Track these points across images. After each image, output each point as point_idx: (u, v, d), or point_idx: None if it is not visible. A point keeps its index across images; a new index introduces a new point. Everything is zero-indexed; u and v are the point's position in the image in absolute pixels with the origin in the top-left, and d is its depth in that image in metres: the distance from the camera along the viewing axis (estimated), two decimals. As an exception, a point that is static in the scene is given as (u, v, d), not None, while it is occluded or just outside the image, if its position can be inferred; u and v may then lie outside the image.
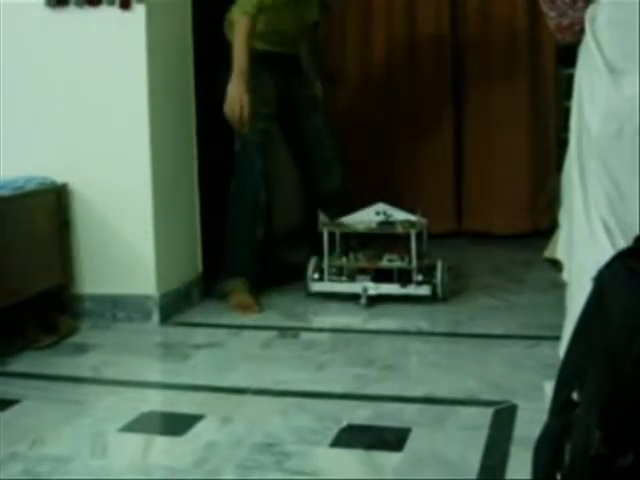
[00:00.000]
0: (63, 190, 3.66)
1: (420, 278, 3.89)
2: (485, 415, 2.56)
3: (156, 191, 3.64)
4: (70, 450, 2.39)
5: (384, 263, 3.97)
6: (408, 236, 3.90)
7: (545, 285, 4.01)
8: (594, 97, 2.26)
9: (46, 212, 3.59)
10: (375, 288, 3.89)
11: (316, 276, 4.00)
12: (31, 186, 3.51)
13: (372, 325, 3.61)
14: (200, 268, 4.05)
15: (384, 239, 4.05)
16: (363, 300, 3.84)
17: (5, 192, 3.37)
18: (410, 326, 3.57)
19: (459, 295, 4.01)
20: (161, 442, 2.49)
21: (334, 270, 4.02)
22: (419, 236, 3.95)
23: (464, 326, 3.54)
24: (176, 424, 2.58)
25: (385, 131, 5.56)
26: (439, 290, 3.88)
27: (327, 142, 4.33)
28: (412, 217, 3.99)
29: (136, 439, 2.49)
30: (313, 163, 4.33)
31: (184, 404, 2.76)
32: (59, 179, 3.64)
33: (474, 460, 2.25)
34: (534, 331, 3.38)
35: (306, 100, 4.30)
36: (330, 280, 3.98)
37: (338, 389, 2.83)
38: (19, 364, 3.16)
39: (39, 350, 3.30)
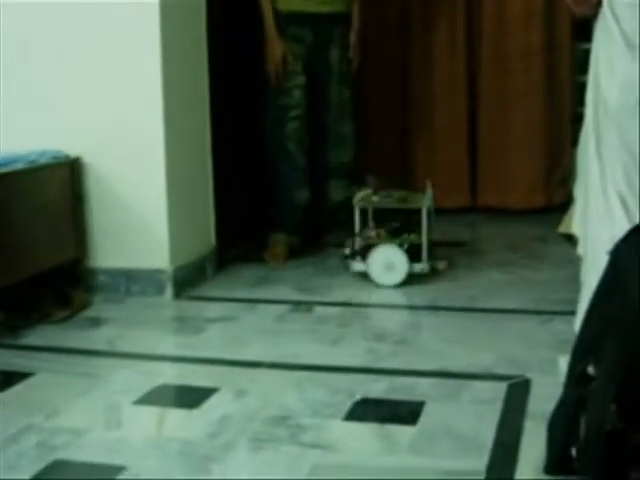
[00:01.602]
0: (76, 164, 3.65)
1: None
2: (499, 389, 2.56)
3: (170, 165, 3.63)
4: (85, 422, 2.40)
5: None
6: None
7: (559, 260, 3.99)
8: (612, 70, 2.25)
9: (59, 186, 3.59)
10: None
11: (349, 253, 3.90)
12: (44, 160, 3.51)
13: (385, 300, 3.60)
14: (214, 242, 4.05)
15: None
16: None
17: (19, 166, 3.36)
18: (424, 301, 3.56)
19: (473, 271, 4.00)
20: (175, 415, 2.50)
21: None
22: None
23: (478, 301, 3.52)
24: (190, 397, 2.59)
25: (399, 107, 5.52)
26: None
27: (348, 117, 4.44)
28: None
29: (150, 412, 2.50)
30: (328, 135, 4.42)
31: (198, 377, 2.77)
32: (72, 153, 3.64)
33: (488, 434, 2.25)
34: (548, 306, 3.37)
35: (340, 74, 4.39)
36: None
37: (352, 363, 2.83)
38: (33, 337, 3.16)
39: (53, 324, 3.30)
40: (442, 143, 5.45)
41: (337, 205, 4.48)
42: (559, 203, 4.93)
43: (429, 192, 3.97)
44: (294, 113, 4.27)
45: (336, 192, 4.48)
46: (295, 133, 4.29)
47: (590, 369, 1.90)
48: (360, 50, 4.50)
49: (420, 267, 3.78)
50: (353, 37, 4.41)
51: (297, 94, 4.26)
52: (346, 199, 4.30)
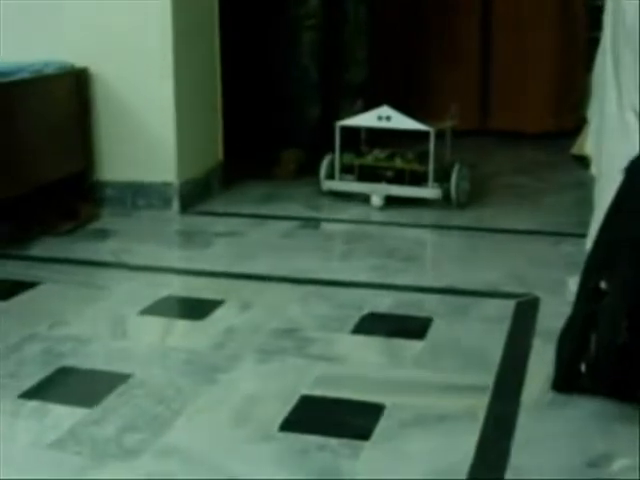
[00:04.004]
0: (83, 74, 3.60)
1: (435, 183, 3.66)
2: (507, 307, 2.54)
3: (178, 78, 3.58)
4: (90, 331, 2.39)
5: (397, 164, 3.76)
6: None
7: (570, 184, 3.96)
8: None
9: (65, 97, 3.54)
10: (385, 190, 3.69)
11: (325, 174, 3.81)
12: (50, 70, 3.46)
13: (393, 219, 3.57)
14: (221, 157, 4.01)
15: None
16: (376, 200, 3.68)
17: (23, 75, 3.31)
18: (432, 220, 3.53)
19: (482, 193, 3.97)
20: (181, 325, 2.49)
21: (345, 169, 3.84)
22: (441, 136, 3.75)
23: (486, 222, 3.50)
24: (196, 309, 2.58)
25: (412, 30, 5.45)
26: (453, 194, 3.64)
27: (363, 35, 4.40)
28: (418, 125, 3.71)
29: (156, 322, 2.48)
30: (343, 52, 4.35)
31: (204, 290, 2.75)
32: (79, 63, 3.58)
33: (496, 350, 2.23)
34: (557, 228, 3.35)
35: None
36: (342, 179, 3.81)
37: (359, 278, 2.81)
38: (39, 249, 3.15)
39: (59, 236, 3.28)
40: (455, 65, 5.38)
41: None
42: (571, 128, 4.87)
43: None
44: (309, 22, 4.19)
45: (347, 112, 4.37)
46: (309, 45, 4.21)
47: (603, 284, 1.88)
48: None
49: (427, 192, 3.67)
50: None
51: (314, 2, 4.18)
52: None
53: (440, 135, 3.72)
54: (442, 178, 3.66)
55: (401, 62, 5.45)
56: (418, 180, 3.69)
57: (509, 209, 3.68)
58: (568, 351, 1.98)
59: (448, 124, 3.79)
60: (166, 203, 3.61)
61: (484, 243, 3.22)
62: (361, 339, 2.34)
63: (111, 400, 1.97)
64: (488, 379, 2.07)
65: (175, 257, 3.11)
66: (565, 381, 1.99)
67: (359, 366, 2.17)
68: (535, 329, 2.38)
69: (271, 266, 2.93)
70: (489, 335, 2.34)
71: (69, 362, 2.18)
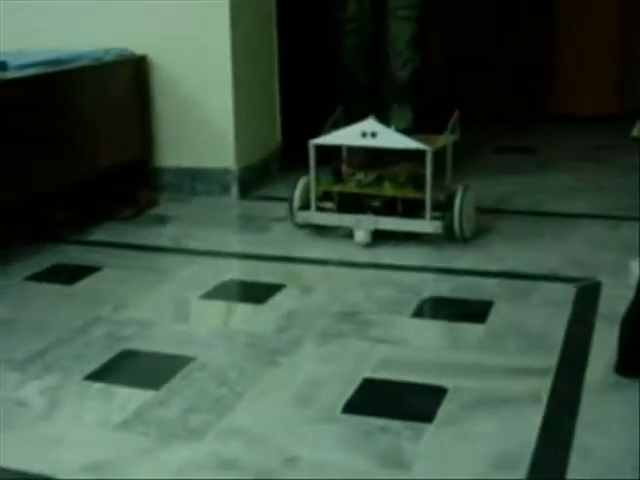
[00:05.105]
0: (142, 62, 3.63)
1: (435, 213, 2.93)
2: (568, 291, 2.53)
3: (236, 63, 3.59)
4: (152, 315, 2.42)
5: (386, 191, 3.02)
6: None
7: (630, 167, 3.91)
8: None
9: (125, 84, 3.57)
10: (372, 222, 2.97)
11: (300, 202, 3.11)
12: (110, 57, 3.49)
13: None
14: (280, 142, 4.02)
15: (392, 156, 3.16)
16: (361, 236, 2.97)
17: (84, 62, 3.35)
18: (489, 204, 3.51)
19: (541, 176, 3.94)
20: (242, 309, 2.51)
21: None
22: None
23: (545, 205, 3.47)
24: (256, 293, 2.59)
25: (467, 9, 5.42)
26: (456, 226, 2.93)
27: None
28: (410, 144, 2.94)
29: (217, 306, 2.51)
30: (389, 48, 4.12)
31: (264, 274, 2.77)
32: (138, 51, 3.61)
33: (558, 334, 2.22)
34: (617, 212, 3.31)
35: None
36: (320, 209, 3.07)
37: (419, 262, 2.81)
38: (100, 234, 3.18)
39: (120, 221, 3.32)
40: (511, 47, 5.35)
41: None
42: (633, 110, 4.82)
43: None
44: (350, 27, 4.06)
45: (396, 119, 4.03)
46: (352, 48, 4.09)
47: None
48: None
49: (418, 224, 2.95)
50: None
51: (352, 6, 4.04)
52: (408, 128, 3.86)
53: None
54: (443, 206, 2.96)
55: (453, 47, 5.41)
56: (412, 209, 2.97)
57: (568, 193, 3.65)
58: (631, 335, 1.97)
59: (450, 139, 3.06)
60: (225, 189, 3.63)
61: (543, 227, 3.20)
62: (421, 322, 2.35)
63: (175, 382, 1.99)
64: (551, 361, 2.06)
65: (235, 242, 3.13)
66: (628, 365, 1.97)
67: (420, 349, 2.18)
68: (597, 312, 2.36)
69: (330, 250, 2.94)
70: (551, 318, 2.33)
71: (132, 345, 2.21)
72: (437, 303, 2.48)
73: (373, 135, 2.95)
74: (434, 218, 2.91)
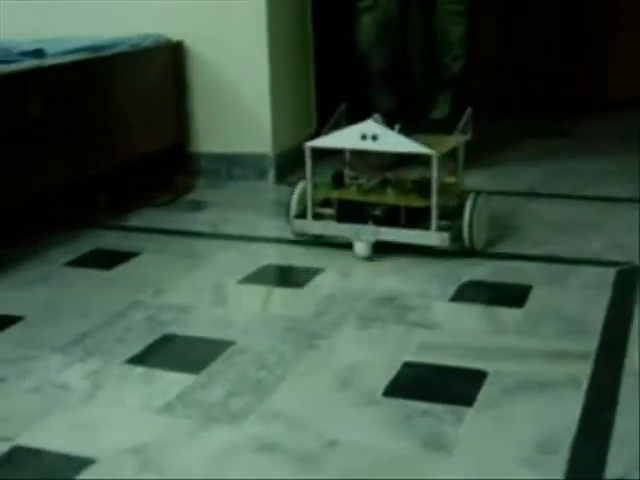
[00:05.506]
0: (179, 48, 3.64)
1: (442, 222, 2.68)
2: (608, 275, 2.51)
3: (272, 48, 3.59)
4: (191, 300, 2.43)
5: (389, 198, 2.76)
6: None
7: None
8: None
9: (162, 70, 3.59)
10: (373, 233, 2.72)
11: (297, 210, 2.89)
12: (147, 43, 3.50)
13: (486, 185, 3.53)
14: (315, 128, 4.01)
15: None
16: (361, 248, 2.72)
17: (121, 49, 3.37)
18: (524, 187, 3.50)
19: (578, 160, 3.91)
20: (281, 293, 2.51)
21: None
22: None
23: (583, 189, 3.45)
24: (295, 277, 2.61)
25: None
26: (465, 237, 2.71)
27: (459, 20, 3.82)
28: (414, 147, 2.67)
29: (255, 290, 2.51)
30: (430, 34, 3.88)
31: (302, 258, 2.77)
32: (174, 37, 3.62)
33: (597, 318, 2.21)
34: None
35: None
36: (318, 217, 2.85)
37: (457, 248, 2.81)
38: (138, 220, 3.20)
39: (157, 207, 3.34)
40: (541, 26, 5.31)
41: (435, 121, 3.81)
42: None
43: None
44: (364, 4, 3.73)
45: (437, 108, 3.90)
46: (368, 29, 3.73)
47: None
48: None
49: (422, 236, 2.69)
50: None
51: None
52: (445, 117, 3.76)
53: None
54: (451, 215, 2.74)
55: (485, 42, 5.36)
56: (417, 218, 2.71)
57: (606, 177, 3.63)
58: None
59: (460, 140, 2.81)
60: (262, 174, 3.64)
61: (580, 211, 3.18)
62: (460, 307, 2.34)
63: (215, 366, 2.00)
64: (590, 346, 2.05)
65: (272, 227, 3.13)
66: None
67: (459, 333, 2.17)
68: (637, 296, 2.35)
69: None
70: (590, 302, 2.32)
71: (172, 329, 2.22)
72: (476, 287, 2.48)
73: (374, 138, 2.69)
74: (441, 229, 2.67)
